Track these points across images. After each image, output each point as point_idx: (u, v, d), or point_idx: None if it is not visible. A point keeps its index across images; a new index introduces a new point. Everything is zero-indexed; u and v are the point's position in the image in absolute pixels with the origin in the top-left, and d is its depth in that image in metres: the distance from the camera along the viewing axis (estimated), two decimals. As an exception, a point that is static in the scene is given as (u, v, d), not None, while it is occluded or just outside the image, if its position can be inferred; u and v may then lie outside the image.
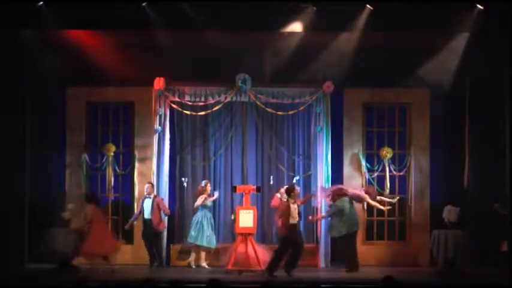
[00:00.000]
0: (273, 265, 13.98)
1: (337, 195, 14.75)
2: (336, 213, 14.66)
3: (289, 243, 14.07)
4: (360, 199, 15.13)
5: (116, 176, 16.06)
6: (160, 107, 15.89)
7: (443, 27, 14.97)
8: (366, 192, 15.18)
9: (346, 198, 14.74)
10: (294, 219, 14.08)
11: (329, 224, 14.97)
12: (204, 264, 15.25)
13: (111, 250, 14.53)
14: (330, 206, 14.88)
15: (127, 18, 14.61)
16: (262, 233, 15.98)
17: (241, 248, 14.47)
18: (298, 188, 14.92)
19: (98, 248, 14.27)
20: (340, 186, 15.15)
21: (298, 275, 13.95)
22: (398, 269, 14.74)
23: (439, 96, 16.03)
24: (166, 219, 15.52)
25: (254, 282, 12.62)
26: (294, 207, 14.09)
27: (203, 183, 15.49)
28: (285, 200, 14.48)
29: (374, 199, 15.22)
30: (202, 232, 15.17)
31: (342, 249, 14.76)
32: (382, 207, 15.44)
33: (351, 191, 14.95)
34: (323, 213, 15.31)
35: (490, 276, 13.73)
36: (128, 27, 14.87)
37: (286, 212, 14.02)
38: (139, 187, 15.78)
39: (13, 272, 13.84)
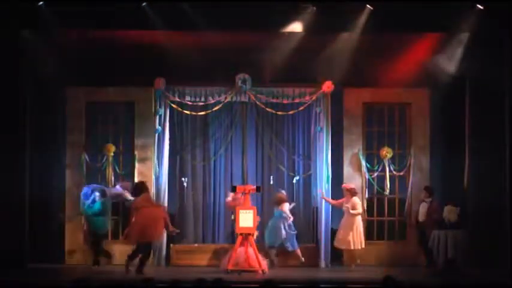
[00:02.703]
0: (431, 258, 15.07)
1: None
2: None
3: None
4: (117, 196, 15.33)
5: (116, 176, 16.05)
6: (160, 107, 15.90)
7: (443, 27, 14.97)
8: (124, 187, 15.34)
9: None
10: None
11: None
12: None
13: (151, 237, 14.34)
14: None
15: (127, 18, 14.61)
16: (261, 234, 15.95)
17: (241, 248, 14.49)
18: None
19: (139, 234, 14.15)
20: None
21: (298, 275, 13.96)
22: (398, 269, 14.74)
23: (439, 96, 16.02)
24: None
25: (254, 282, 12.62)
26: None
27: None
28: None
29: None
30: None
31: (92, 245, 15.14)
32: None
33: (110, 191, 15.26)
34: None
35: (490, 276, 13.74)
36: (128, 27, 14.88)
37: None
38: (139, 187, 15.76)
39: (13, 272, 13.85)
